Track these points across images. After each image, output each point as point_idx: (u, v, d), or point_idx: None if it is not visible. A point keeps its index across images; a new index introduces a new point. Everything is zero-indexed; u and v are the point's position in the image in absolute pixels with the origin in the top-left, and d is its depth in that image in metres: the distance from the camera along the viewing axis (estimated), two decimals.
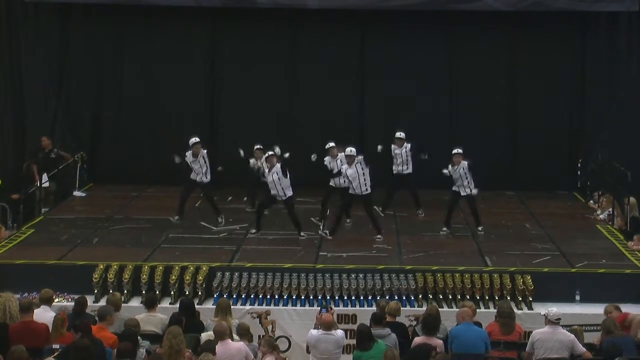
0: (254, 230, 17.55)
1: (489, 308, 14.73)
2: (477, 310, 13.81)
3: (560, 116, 21.99)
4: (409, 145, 18.73)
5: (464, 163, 17.32)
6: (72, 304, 13.37)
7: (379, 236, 17.31)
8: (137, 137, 21.73)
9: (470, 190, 17.41)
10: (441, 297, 15.09)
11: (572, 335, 11.92)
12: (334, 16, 21.42)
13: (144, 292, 14.91)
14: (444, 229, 17.71)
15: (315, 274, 15.36)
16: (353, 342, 12.69)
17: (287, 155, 17.48)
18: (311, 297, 15.08)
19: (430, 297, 15.08)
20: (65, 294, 14.81)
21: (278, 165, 16.98)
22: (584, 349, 11.88)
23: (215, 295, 15.06)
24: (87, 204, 20.22)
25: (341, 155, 17.71)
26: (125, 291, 15.00)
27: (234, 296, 15.06)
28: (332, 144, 18.28)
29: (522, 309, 14.76)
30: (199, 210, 19.39)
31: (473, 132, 21.55)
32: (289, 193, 17.15)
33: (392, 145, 18.79)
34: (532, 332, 12.17)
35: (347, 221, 18.38)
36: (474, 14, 21.25)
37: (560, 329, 11.93)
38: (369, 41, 22.06)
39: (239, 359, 11.32)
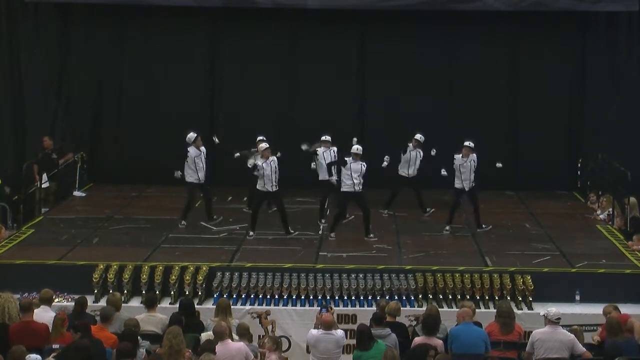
0: (252, 233, 17.54)
1: (489, 308, 14.74)
2: (477, 310, 13.84)
3: (560, 116, 21.99)
4: (421, 151, 18.77)
5: (474, 156, 17.45)
6: (72, 304, 13.39)
7: (371, 235, 17.43)
8: (137, 137, 21.72)
9: (473, 184, 17.44)
10: (441, 297, 15.09)
11: (572, 335, 11.91)
12: (334, 16, 21.42)
13: (144, 292, 14.92)
14: (447, 227, 17.69)
15: (315, 274, 15.37)
16: (353, 342, 12.69)
17: (278, 154, 17.50)
18: (311, 297, 15.08)
19: (430, 297, 15.08)
20: (65, 294, 14.81)
21: (275, 158, 17.08)
22: (584, 349, 11.88)
23: (215, 295, 15.07)
24: (87, 204, 20.22)
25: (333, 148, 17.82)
26: (125, 291, 15.00)
27: (234, 296, 15.06)
28: (327, 138, 18.24)
29: (522, 309, 14.76)
30: (199, 210, 19.38)
31: (473, 132, 21.49)
32: (277, 186, 17.23)
33: (410, 144, 18.77)
34: (532, 332, 12.17)
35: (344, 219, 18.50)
36: (474, 14, 21.25)
37: (560, 329, 11.93)
38: (369, 41, 22.07)
39: (239, 359, 11.32)
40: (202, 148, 17.80)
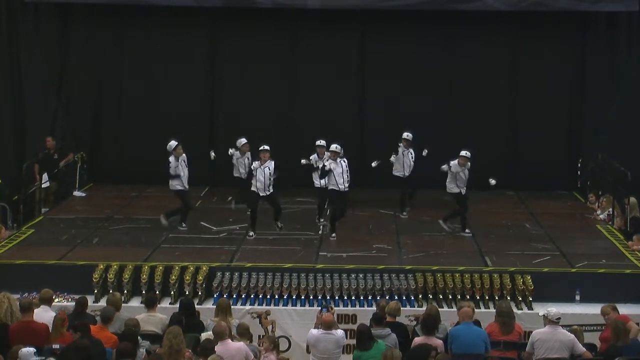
0: (252, 233, 17.56)
1: (489, 308, 14.73)
2: (477, 310, 13.85)
3: (560, 116, 21.99)
4: (412, 150, 18.79)
5: (468, 164, 17.36)
6: (72, 304, 13.39)
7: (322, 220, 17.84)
8: (137, 137, 21.72)
9: (465, 189, 17.37)
10: (441, 297, 15.09)
11: (572, 335, 11.91)
12: (334, 16, 21.42)
13: (144, 292, 14.92)
14: (467, 230, 17.65)
15: (315, 274, 15.37)
16: (353, 342, 12.68)
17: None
18: (311, 297, 15.08)
19: (430, 297, 15.08)
20: (65, 294, 14.81)
21: (272, 162, 17.11)
22: (584, 349, 11.88)
23: (215, 295, 15.07)
24: (87, 204, 20.22)
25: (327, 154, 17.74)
26: (125, 291, 15.00)
27: (234, 296, 15.06)
28: (321, 142, 18.23)
29: (522, 309, 14.76)
30: (199, 211, 19.39)
31: (473, 132, 21.55)
32: (272, 190, 17.32)
33: (400, 145, 18.78)
34: (532, 332, 12.17)
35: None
36: (474, 14, 21.24)
37: (560, 329, 11.93)
38: (369, 41, 22.07)
39: (239, 359, 11.32)
40: (183, 155, 17.51)
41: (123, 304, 13.76)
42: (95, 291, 14.99)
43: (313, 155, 18.37)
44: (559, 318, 11.93)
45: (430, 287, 15.12)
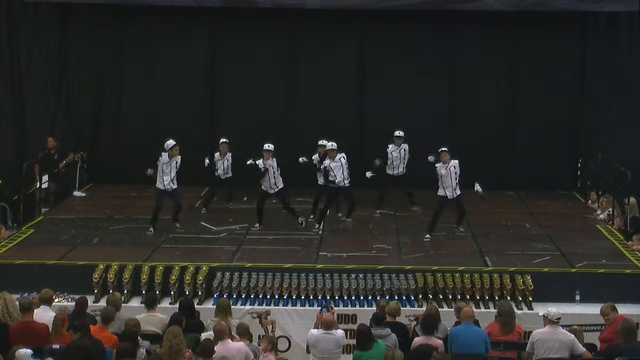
0: (257, 225, 17.80)
1: (489, 308, 14.74)
2: (477, 310, 13.87)
3: (560, 116, 21.99)
4: (406, 146, 18.78)
5: (455, 162, 17.07)
6: (72, 304, 13.39)
7: (344, 218, 18.27)
8: (137, 137, 21.71)
9: (457, 192, 17.10)
10: (441, 297, 15.09)
11: (572, 335, 11.91)
12: (334, 16, 21.42)
13: (144, 292, 14.92)
14: (427, 235, 17.41)
15: (315, 274, 15.37)
16: (353, 342, 12.68)
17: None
18: (311, 297, 15.08)
19: (430, 297, 15.08)
20: (65, 294, 14.81)
21: (273, 160, 17.44)
22: (584, 349, 11.87)
23: (215, 295, 15.07)
24: (87, 204, 20.23)
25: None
26: (125, 291, 15.00)
27: (234, 296, 15.06)
28: (324, 142, 18.27)
29: (522, 309, 14.76)
30: (199, 210, 19.39)
31: (473, 132, 21.56)
32: (280, 185, 17.55)
33: (390, 145, 18.79)
34: (532, 332, 12.17)
35: (339, 215, 18.69)
36: (474, 14, 21.24)
37: (560, 328, 11.93)
38: (369, 41, 22.06)
39: (239, 359, 11.32)
40: (178, 157, 17.35)
41: (123, 304, 13.76)
42: (95, 291, 14.99)
43: (315, 155, 18.41)
44: (559, 318, 11.93)
45: (430, 287, 15.12)
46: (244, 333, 12.07)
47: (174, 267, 15.30)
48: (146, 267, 15.31)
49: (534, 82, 21.88)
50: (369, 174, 18.40)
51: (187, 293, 14.92)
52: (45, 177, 20.14)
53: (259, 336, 13.34)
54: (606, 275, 15.45)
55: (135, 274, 15.20)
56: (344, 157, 17.65)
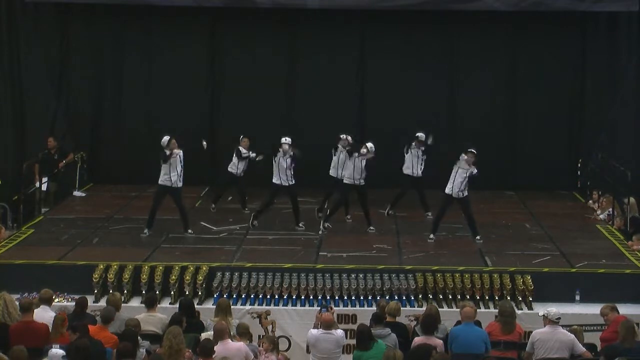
0: (255, 222, 17.85)
1: (489, 308, 14.74)
2: (477, 310, 13.82)
3: (560, 116, 22.00)
4: (423, 148, 18.69)
5: (473, 168, 16.83)
6: (72, 304, 13.39)
7: (371, 227, 17.77)
8: (137, 137, 21.72)
9: (464, 193, 16.96)
10: (441, 297, 15.09)
11: (572, 335, 11.91)
12: (334, 16, 21.43)
13: (144, 292, 14.91)
14: (431, 236, 17.38)
15: (315, 274, 15.36)
16: (353, 342, 12.68)
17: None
18: (311, 297, 15.08)
19: (430, 297, 15.08)
20: (65, 294, 14.81)
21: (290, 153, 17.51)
22: (584, 349, 11.87)
23: (215, 295, 15.06)
24: (87, 204, 20.23)
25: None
26: (125, 291, 14.99)
27: (234, 296, 15.06)
28: (344, 136, 18.38)
29: (522, 309, 14.75)
30: (199, 210, 19.40)
31: (473, 132, 21.56)
32: (292, 181, 17.58)
33: (412, 143, 18.67)
34: (532, 332, 12.17)
35: (348, 217, 18.61)
36: (474, 14, 21.25)
37: (560, 329, 11.93)
38: (369, 41, 22.07)
39: (239, 359, 11.32)
40: (179, 151, 17.09)
41: (123, 304, 13.75)
42: (95, 291, 14.98)
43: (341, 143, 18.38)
44: (559, 318, 11.93)
45: (430, 287, 15.12)
46: (244, 333, 12.07)
47: (174, 267, 15.30)
48: (146, 267, 15.31)
49: (534, 81, 21.89)
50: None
51: (187, 293, 14.91)
52: (44, 179, 20.11)
53: (259, 336, 13.34)
54: (606, 275, 15.45)
55: (135, 274, 15.19)
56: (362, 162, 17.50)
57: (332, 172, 18.55)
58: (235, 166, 18.87)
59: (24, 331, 11.75)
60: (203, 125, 22.10)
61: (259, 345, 12.12)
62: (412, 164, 18.67)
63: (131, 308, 14.22)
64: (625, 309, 13.68)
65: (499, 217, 19.18)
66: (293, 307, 14.92)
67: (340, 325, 13.27)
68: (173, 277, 15.11)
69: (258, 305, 14.84)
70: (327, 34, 21.88)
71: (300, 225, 17.86)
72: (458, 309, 13.68)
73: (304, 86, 22.03)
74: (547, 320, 11.94)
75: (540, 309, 13.04)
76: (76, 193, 21.01)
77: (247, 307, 14.73)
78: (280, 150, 17.50)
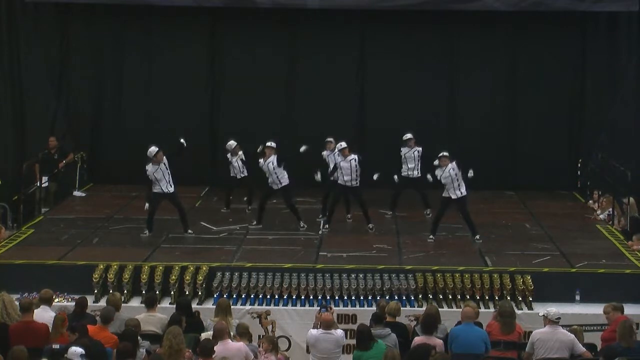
0: (254, 222, 17.80)
1: (489, 308, 14.72)
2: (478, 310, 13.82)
3: (560, 116, 22.00)
4: (419, 149, 18.64)
5: (452, 164, 16.89)
6: (72, 304, 13.38)
7: (370, 225, 17.76)
8: (137, 137, 21.68)
9: (461, 192, 16.98)
10: (441, 297, 15.09)
11: (572, 335, 11.90)
12: (334, 16, 21.43)
13: (144, 292, 14.91)
14: (431, 236, 17.38)
15: (315, 274, 15.36)
16: (353, 342, 12.68)
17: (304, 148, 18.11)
18: (311, 297, 15.08)
19: (430, 297, 15.08)
20: (65, 294, 14.81)
21: (274, 157, 17.51)
22: (584, 349, 11.87)
23: (215, 295, 15.06)
24: (87, 204, 20.23)
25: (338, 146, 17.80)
26: (125, 291, 15.00)
27: (234, 296, 15.06)
28: (330, 139, 18.35)
29: (522, 309, 14.75)
30: (200, 210, 19.40)
31: (473, 132, 21.57)
32: (285, 182, 17.57)
33: (403, 148, 18.69)
34: (532, 332, 12.17)
35: (348, 217, 18.60)
36: (474, 14, 21.25)
37: (560, 329, 11.92)
38: (369, 41, 22.07)
39: (239, 359, 11.32)
40: (164, 160, 17.02)
41: (123, 304, 13.76)
42: (95, 291, 14.99)
43: (325, 151, 18.38)
44: (559, 318, 11.93)
45: (430, 287, 15.12)
46: (244, 333, 12.06)
47: (174, 267, 15.30)
48: (146, 267, 15.31)
49: (534, 81, 21.89)
50: (375, 176, 18.31)
51: (187, 293, 14.92)
52: (44, 180, 20.11)
53: (259, 336, 13.34)
54: (606, 275, 15.45)
55: (135, 274, 15.20)
56: (355, 160, 17.53)
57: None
58: (238, 170, 18.89)
59: (24, 331, 11.75)
60: (203, 125, 22.12)
61: (259, 346, 12.12)
62: (407, 166, 18.65)
63: (131, 308, 14.22)
64: (625, 309, 13.61)
65: (499, 217, 19.18)
66: (293, 307, 14.92)
67: (340, 325, 13.27)
68: (173, 277, 15.12)
69: (258, 305, 14.84)
70: (327, 34, 21.89)
71: (302, 224, 17.86)
72: (458, 309, 13.71)
73: (304, 86, 22.04)
74: (547, 320, 11.94)
75: (540, 309, 13.04)
76: (76, 193, 21.01)
77: (247, 307, 14.74)
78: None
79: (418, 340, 11.84)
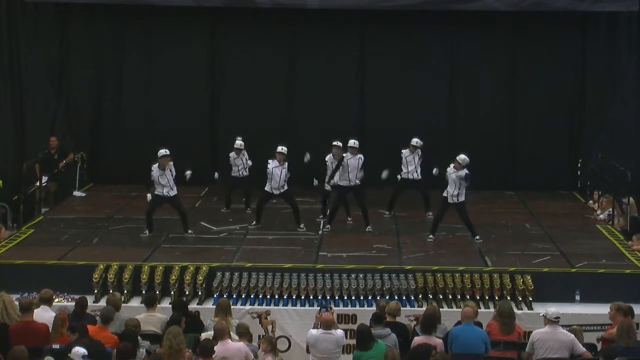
0: (254, 222, 17.84)
1: (489, 308, 14.72)
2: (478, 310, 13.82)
3: (560, 116, 22.00)
4: (419, 152, 18.62)
5: (465, 170, 16.84)
6: (72, 304, 13.39)
7: (369, 227, 17.74)
8: (137, 137, 21.72)
9: (458, 199, 16.91)
10: (441, 297, 15.09)
11: (572, 335, 11.91)
12: (334, 16, 21.43)
13: (144, 292, 14.91)
14: (430, 236, 17.37)
15: (315, 274, 15.36)
16: (353, 342, 12.69)
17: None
18: (311, 297, 15.07)
19: (430, 297, 15.08)
20: (65, 294, 14.80)
21: (285, 163, 17.49)
22: (584, 349, 11.88)
23: (215, 295, 15.06)
24: (87, 204, 20.23)
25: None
26: (125, 291, 14.99)
27: (234, 296, 15.06)
28: (339, 143, 18.22)
29: (522, 309, 14.75)
30: (200, 210, 19.39)
31: (473, 132, 21.56)
32: (286, 187, 17.65)
33: (404, 150, 18.66)
34: (532, 332, 12.17)
35: (349, 219, 18.56)
36: (474, 14, 21.25)
37: (560, 329, 11.93)
38: (369, 41, 22.07)
39: (238, 358, 11.33)
40: (170, 163, 16.92)
41: (123, 304, 13.76)
42: (95, 291, 14.98)
43: (329, 155, 18.29)
44: (558, 318, 11.93)
45: (430, 287, 15.12)
46: (244, 333, 12.07)
47: (174, 267, 15.30)
48: (146, 267, 15.31)
49: (534, 81, 21.88)
50: (384, 175, 18.29)
51: (187, 293, 14.93)
52: (44, 179, 20.10)
53: (259, 336, 13.34)
54: (606, 275, 15.45)
55: (135, 274, 15.19)
56: (361, 159, 17.61)
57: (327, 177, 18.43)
58: (240, 169, 18.86)
59: (24, 331, 11.76)
60: (203, 125, 22.12)
61: (258, 346, 12.12)
62: (408, 168, 18.62)
63: (131, 308, 14.22)
64: None
65: (499, 217, 19.17)
66: (293, 307, 14.91)
67: (340, 325, 13.28)
68: (173, 277, 15.11)
69: (258, 305, 14.83)
70: (327, 34, 21.88)
71: (302, 226, 17.85)
72: (458, 309, 13.70)
73: (304, 86, 22.03)
74: (547, 320, 11.94)
75: (540, 309, 13.05)
76: (76, 193, 21.01)
77: (247, 307, 14.73)
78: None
79: (418, 340, 11.85)
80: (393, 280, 15.20)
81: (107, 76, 22.24)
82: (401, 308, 13.27)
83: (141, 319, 12.42)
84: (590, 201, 20.38)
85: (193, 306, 14.58)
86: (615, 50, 21.63)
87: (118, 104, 22.22)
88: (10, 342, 11.42)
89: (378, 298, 14.65)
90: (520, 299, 14.98)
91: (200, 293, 15.10)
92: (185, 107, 21.90)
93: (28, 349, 10.71)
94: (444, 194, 17.06)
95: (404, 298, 14.92)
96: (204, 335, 11.91)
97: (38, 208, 19.57)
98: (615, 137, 21.14)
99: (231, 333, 11.92)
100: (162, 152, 17.04)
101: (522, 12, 21.15)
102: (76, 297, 13.75)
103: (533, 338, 11.90)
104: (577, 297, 15.12)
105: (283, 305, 14.92)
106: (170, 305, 14.40)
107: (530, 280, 15.04)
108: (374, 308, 13.79)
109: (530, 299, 14.95)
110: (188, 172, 17.28)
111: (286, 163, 17.52)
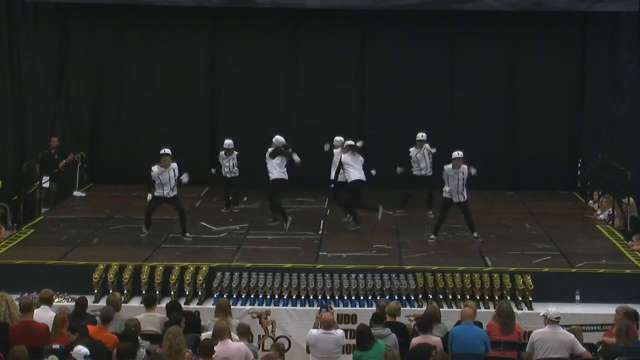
0: (274, 221, 18.08)
1: (489, 308, 14.73)
2: (477, 310, 13.81)
3: (560, 116, 21.99)
4: (427, 146, 18.64)
5: (464, 167, 16.87)
6: (72, 304, 13.39)
7: (357, 227, 17.83)
8: (137, 137, 21.71)
9: (464, 197, 16.94)
10: (441, 297, 15.09)
11: (572, 335, 11.92)
12: (334, 16, 21.43)
13: (144, 292, 14.91)
14: (432, 236, 17.41)
15: (315, 274, 15.37)
16: (353, 342, 12.69)
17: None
18: (311, 297, 15.07)
19: (430, 297, 15.08)
20: (65, 294, 14.81)
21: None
22: (584, 349, 11.88)
23: (215, 295, 15.06)
24: (87, 204, 20.23)
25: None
26: (125, 291, 15.00)
27: (234, 296, 15.06)
28: (340, 138, 18.31)
29: (522, 309, 14.76)
30: (200, 211, 19.39)
31: (473, 132, 21.56)
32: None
33: (411, 149, 18.68)
34: (532, 332, 12.17)
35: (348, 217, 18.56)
36: (474, 14, 21.25)
37: (560, 329, 11.94)
38: (369, 41, 22.07)
39: (238, 358, 11.33)
40: (173, 164, 16.88)
41: (123, 304, 13.77)
42: (95, 291, 14.99)
43: (337, 150, 18.32)
44: (558, 317, 11.94)
45: (430, 287, 15.12)
46: (244, 333, 12.08)
47: (174, 267, 15.30)
48: (146, 267, 15.31)
49: (534, 82, 21.88)
50: (399, 170, 18.36)
51: (187, 293, 14.94)
52: (44, 179, 20.10)
53: (259, 336, 13.36)
54: (606, 275, 15.45)
55: (135, 274, 15.20)
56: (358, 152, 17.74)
57: (332, 174, 18.44)
58: (229, 169, 18.90)
59: (24, 331, 11.76)
60: (203, 125, 22.11)
61: (259, 347, 12.11)
62: (419, 165, 18.64)
63: (131, 308, 14.22)
64: None
65: (499, 217, 19.18)
66: (293, 307, 14.91)
67: (340, 325, 13.28)
68: (173, 277, 15.12)
69: (258, 305, 14.84)
70: (327, 34, 21.88)
71: (288, 222, 17.86)
72: (458, 309, 13.69)
73: (304, 86, 22.03)
74: (547, 320, 11.95)
75: (540, 309, 13.05)
76: (76, 193, 21.01)
77: (247, 307, 14.74)
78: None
79: (416, 340, 11.84)
80: (393, 280, 15.20)
81: (107, 76, 22.23)
82: (401, 308, 13.30)
83: (141, 319, 12.43)
84: (590, 201, 20.38)
85: (193, 306, 14.59)
86: (615, 50, 21.63)
87: (118, 104, 22.21)
88: (10, 342, 11.42)
89: (378, 298, 14.66)
90: (520, 299, 14.98)
91: (200, 293, 15.10)
92: (185, 107, 21.89)
93: (28, 349, 10.72)
94: (446, 195, 17.04)
95: (404, 298, 14.92)
96: (204, 336, 11.91)
97: (38, 208, 19.57)
98: (615, 137, 21.14)
99: (231, 333, 11.93)
100: (164, 150, 17.03)
101: (522, 12, 21.15)
102: (76, 297, 13.76)
103: (533, 338, 11.90)
104: (577, 297, 15.12)
105: (283, 305, 14.92)
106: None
107: (530, 280, 15.04)
108: (374, 308, 13.79)
109: (530, 299, 14.96)
110: (184, 176, 17.20)
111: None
